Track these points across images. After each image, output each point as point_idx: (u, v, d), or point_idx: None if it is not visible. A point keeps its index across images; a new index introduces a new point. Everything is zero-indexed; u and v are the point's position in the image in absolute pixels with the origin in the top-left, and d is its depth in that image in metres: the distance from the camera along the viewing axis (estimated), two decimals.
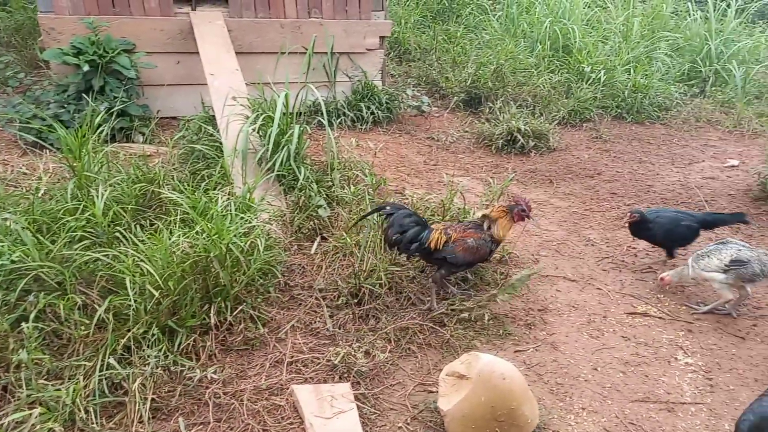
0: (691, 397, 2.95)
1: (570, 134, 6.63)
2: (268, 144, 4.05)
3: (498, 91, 6.80)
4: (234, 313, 3.05)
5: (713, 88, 7.61)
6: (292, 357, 3.02)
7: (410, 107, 6.67)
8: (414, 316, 3.37)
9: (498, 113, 6.44)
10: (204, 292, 3.08)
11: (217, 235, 2.94)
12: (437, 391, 2.70)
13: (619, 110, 7.06)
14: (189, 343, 2.94)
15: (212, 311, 3.00)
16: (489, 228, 3.43)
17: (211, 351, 2.96)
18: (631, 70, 7.28)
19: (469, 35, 8.33)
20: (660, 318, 3.57)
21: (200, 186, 3.75)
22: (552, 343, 3.33)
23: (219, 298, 3.06)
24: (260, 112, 4.29)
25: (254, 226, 3.30)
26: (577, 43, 7.58)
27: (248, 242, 3.13)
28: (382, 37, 6.38)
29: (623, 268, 4.10)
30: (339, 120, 6.02)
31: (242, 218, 3.23)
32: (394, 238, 3.34)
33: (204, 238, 2.95)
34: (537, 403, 2.78)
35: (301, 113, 5.04)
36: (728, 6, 8.39)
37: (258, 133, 4.36)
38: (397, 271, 3.61)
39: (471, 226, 3.49)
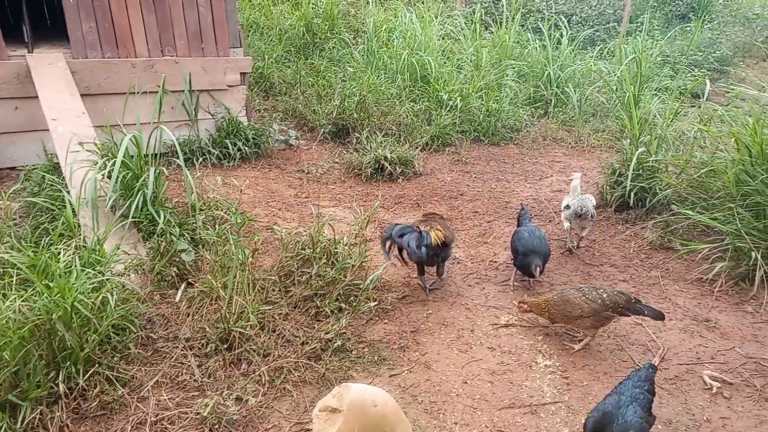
0: (551, 397, 3.18)
1: (434, 159, 6.98)
2: (116, 189, 3.81)
3: (364, 122, 7.00)
4: (86, 377, 2.81)
5: (556, 109, 8.42)
6: (156, 415, 2.83)
7: (278, 141, 6.66)
8: (288, 354, 3.32)
9: (365, 143, 6.62)
10: (51, 357, 2.81)
11: (59, 295, 2.70)
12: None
13: (476, 134, 7.57)
14: (35, 417, 2.66)
15: (60, 378, 2.75)
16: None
17: (62, 422, 2.70)
18: (484, 96, 7.84)
19: (334, 68, 8.52)
20: (521, 326, 3.82)
21: (43, 242, 3.44)
22: (425, 363, 3.43)
23: (68, 363, 2.81)
24: (109, 157, 4.05)
25: (106, 279, 3.08)
26: (433, 72, 8.03)
27: (98, 298, 2.91)
28: (243, 74, 6.33)
29: (486, 282, 4.35)
30: (203, 158, 5.85)
31: (90, 273, 3.00)
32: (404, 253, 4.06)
33: (44, 299, 2.69)
34: (411, 424, 2.84)
35: (159, 155, 4.83)
36: (561, 35, 9.39)
37: (109, 179, 4.10)
38: (269, 309, 3.54)
39: (437, 217, 4.26)
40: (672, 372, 3.38)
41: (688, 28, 11.49)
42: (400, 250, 4.09)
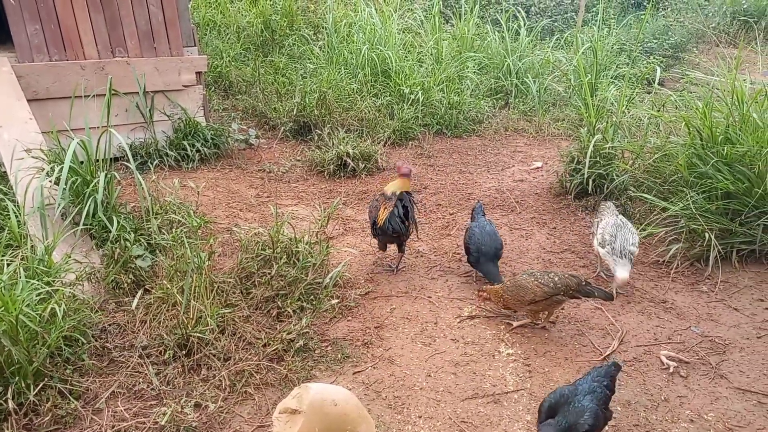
0: (514, 386, 3.20)
1: (397, 153, 6.97)
2: (65, 196, 3.70)
3: (325, 118, 6.95)
4: (36, 391, 2.71)
5: (516, 100, 8.49)
6: (113, 427, 2.76)
7: (238, 141, 6.56)
8: (249, 356, 3.27)
9: (327, 139, 6.57)
10: None
11: (2, 308, 2.60)
12: None
13: (439, 127, 7.58)
14: None
15: (9, 394, 2.65)
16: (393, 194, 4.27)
17: None
18: (445, 89, 7.86)
19: (294, 65, 8.43)
20: (485, 317, 3.84)
21: None
22: (389, 358, 3.42)
23: (17, 377, 2.71)
24: (57, 163, 3.92)
25: (55, 289, 2.99)
26: (394, 67, 8.01)
27: (46, 309, 2.81)
28: (198, 73, 6.20)
29: (450, 274, 4.36)
30: (159, 161, 5.74)
31: (36, 284, 2.89)
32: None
33: None
34: (375, 420, 2.83)
35: (112, 159, 4.71)
36: (520, 27, 9.47)
37: (58, 186, 3.97)
38: (229, 312, 3.48)
39: (383, 199, 4.27)
40: (630, 354, 3.45)
41: (643, 16, 11.70)
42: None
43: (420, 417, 2.97)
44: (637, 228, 4.54)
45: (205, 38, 8.66)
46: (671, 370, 3.30)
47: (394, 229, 4.08)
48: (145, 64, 5.81)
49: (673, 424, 2.93)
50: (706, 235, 4.24)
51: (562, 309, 3.89)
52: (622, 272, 3.87)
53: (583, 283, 3.50)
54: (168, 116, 6.07)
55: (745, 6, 12.64)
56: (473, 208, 4.56)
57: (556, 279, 3.47)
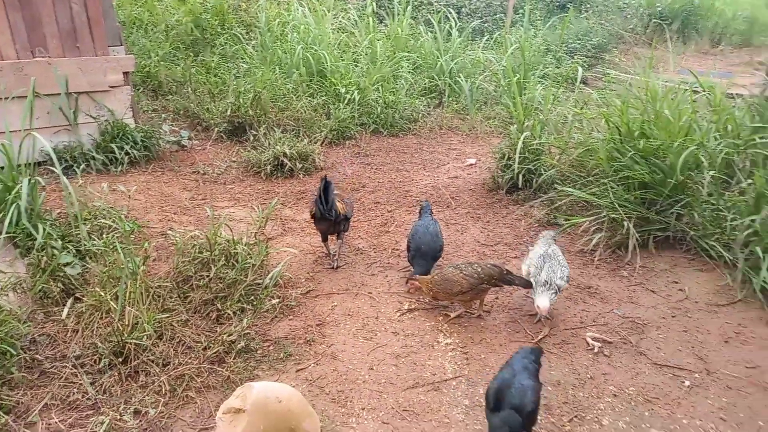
0: (452, 373, 3.33)
1: (335, 152, 7.01)
2: None
3: (260, 118, 6.89)
4: None
5: (450, 99, 8.71)
6: None
7: (169, 143, 6.41)
8: (189, 360, 3.24)
9: (263, 140, 6.53)
10: None
11: None
12: None
13: (375, 126, 7.67)
14: None
15: None
16: None
17: None
18: (380, 89, 7.96)
19: (226, 65, 8.29)
20: (424, 309, 3.96)
21: None
22: (331, 354, 3.47)
23: None
24: None
25: None
26: (330, 66, 8.04)
27: None
28: (126, 73, 6.00)
29: (389, 270, 4.45)
30: (86, 165, 5.53)
31: None
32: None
33: None
34: (319, 415, 2.88)
35: (35, 164, 4.50)
36: (451, 28, 9.71)
37: None
38: (167, 317, 3.42)
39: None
40: (559, 337, 3.66)
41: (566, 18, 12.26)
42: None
43: (363, 409, 3.04)
44: (563, 219, 4.80)
45: (131, 37, 8.37)
46: (596, 350, 3.53)
47: (315, 213, 4.20)
48: (68, 65, 5.57)
49: (598, 399, 3.15)
50: (625, 223, 4.54)
51: (497, 298, 4.07)
52: (542, 301, 3.65)
53: (505, 272, 3.73)
54: (94, 118, 5.85)
55: (659, 9, 13.48)
56: (421, 206, 4.64)
57: (479, 270, 3.67)
